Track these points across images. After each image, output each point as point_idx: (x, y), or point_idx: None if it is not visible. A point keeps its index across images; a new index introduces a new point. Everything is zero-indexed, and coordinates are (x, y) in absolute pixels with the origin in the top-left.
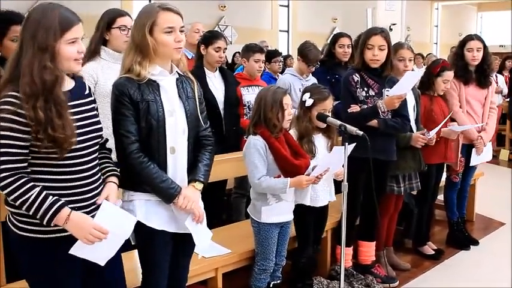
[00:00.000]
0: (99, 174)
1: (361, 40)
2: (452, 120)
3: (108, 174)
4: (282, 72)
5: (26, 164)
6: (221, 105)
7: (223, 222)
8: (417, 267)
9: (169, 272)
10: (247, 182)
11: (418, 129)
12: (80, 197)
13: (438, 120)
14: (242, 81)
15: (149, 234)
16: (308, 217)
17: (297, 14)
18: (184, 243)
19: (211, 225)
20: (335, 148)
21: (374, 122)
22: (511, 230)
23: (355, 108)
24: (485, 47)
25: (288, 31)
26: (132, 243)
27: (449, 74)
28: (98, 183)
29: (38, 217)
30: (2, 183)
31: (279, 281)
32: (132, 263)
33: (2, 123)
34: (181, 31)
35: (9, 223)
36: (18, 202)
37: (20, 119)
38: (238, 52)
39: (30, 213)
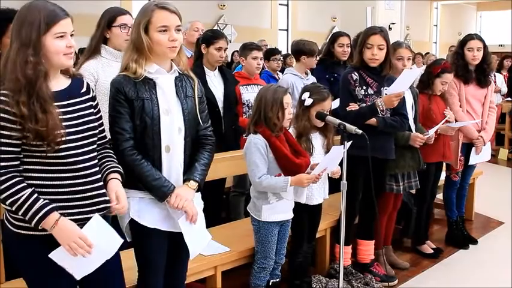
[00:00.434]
0: (99, 174)
1: (360, 39)
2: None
3: (109, 171)
4: (281, 71)
5: (18, 163)
6: (220, 104)
7: (222, 221)
8: (416, 266)
9: (167, 270)
10: (246, 180)
11: (417, 128)
12: (75, 196)
13: (436, 119)
14: (241, 80)
15: (143, 232)
16: (303, 215)
17: (297, 13)
18: (181, 242)
19: (210, 223)
20: (334, 147)
21: (373, 121)
22: (510, 229)
23: (353, 106)
24: (485, 46)
25: (287, 30)
26: (128, 241)
27: (449, 77)
28: (97, 184)
29: (26, 219)
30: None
31: (278, 279)
32: (129, 261)
33: None
34: (178, 30)
35: (5, 221)
36: (8, 202)
37: (9, 117)
38: (236, 51)
39: (19, 214)
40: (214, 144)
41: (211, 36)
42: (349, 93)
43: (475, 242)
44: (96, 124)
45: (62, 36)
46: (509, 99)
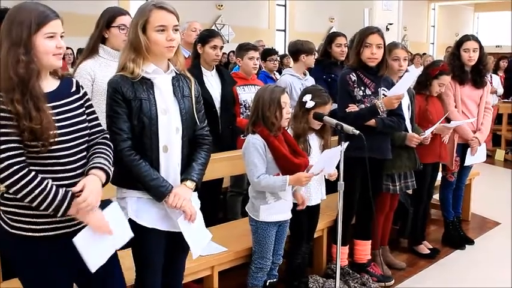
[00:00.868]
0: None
1: (357, 39)
2: (448, 120)
3: (90, 167)
4: (278, 71)
5: (25, 158)
6: (217, 104)
7: (219, 221)
8: (412, 266)
9: (165, 269)
10: (243, 180)
11: (413, 128)
12: None
13: (433, 119)
14: (238, 81)
15: (141, 232)
16: (301, 216)
17: (294, 14)
18: (179, 241)
19: (207, 223)
20: (332, 149)
21: (372, 122)
22: (506, 229)
23: (353, 108)
24: (481, 47)
25: (285, 30)
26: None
27: (446, 79)
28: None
29: (53, 207)
30: (14, 178)
31: (275, 280)
32: (127, 261)
33: None
34: (176, 30)
35: (0, 221)
36: (32, 195)
37: (6, 115)
38: (233, 51)
39: (45, 204)
40: (211, 144)
41: (206, 36)
42: (348, 94)
43: (471, 242)
44: (86, 124)
45: (52, 37)
46: (505, 100)
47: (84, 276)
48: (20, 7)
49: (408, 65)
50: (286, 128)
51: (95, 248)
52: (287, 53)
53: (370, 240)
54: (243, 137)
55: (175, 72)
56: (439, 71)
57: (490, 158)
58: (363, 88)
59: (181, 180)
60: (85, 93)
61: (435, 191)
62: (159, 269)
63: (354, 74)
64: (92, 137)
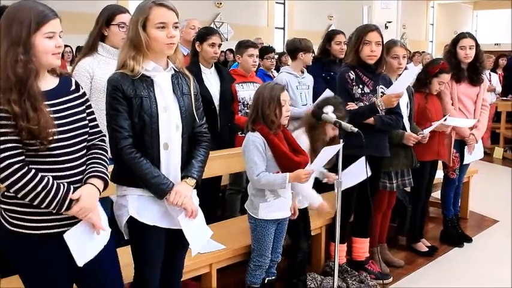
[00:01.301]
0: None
1: (356, 37)
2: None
3: (89, 175)
4: (276, 69)
5: (24, 157)
6: (216, 102)
7: (218, 219)
8: (411, 264)
9: (164, 267)
10: (241, 178)
11: (411, 126)
12: None
13: (432, 118)
14: (237, 78)
15: (142, 230)
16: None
17: (293, 12)
18: (179, 239)
19: (205, 221)
20: (332, 146)
21: (370, 120)
22: (504, 227)
23: (352, 106)
24: (477, 45)
25: (284, 28)
26: (125, 238)
27: (446, 77)
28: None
29: (54, 204)
30: (14, 177)
31: (273, 277)
32: (126, 258)
33: None
34: (176, 27)
35: (1, 219)
36: (33, 194)
37: (4, 115)
38: (229, 49)
39: (47, 201)
40: (210, 141)
41: (204, 33)
42: (347, 92)
43: (469, 240)
44: (86, 122)
45: (51, 36)
46: (504, 98)
47: (83, 274)
48: (19, 6)
49: (407, 63)
50: (286, 126)
51: (84, 244)
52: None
53: (368, 238)
54: (241, 134)
55: (174, 69)
56: (439, 69)
57: (489, 156)
58: (361, 86)
59: (182, 178)
60: (84, 93)
61: (434, 189)
62: (158, 267)
63: (352, 72)
64: (90, 137)
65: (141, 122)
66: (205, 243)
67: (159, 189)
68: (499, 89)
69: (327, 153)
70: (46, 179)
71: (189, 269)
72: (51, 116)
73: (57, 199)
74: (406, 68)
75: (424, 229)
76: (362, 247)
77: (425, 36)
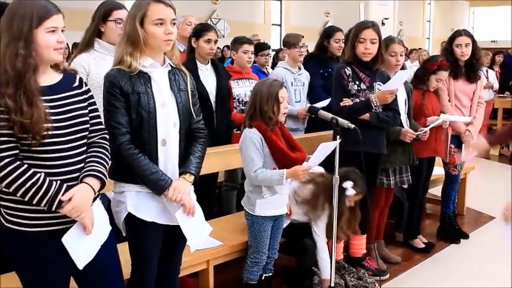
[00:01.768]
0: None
1: (352, 34)
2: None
3: (85, 174)
4: (274, 66)
5: (18, 151)
6: (212, 98)
7: (214, 215)
8: (408, 261)
9: (161, 263)
10: (237, 174)
11: (411, 123)
12: None
13: (428, 114)
14: (233, 74)
15: (140, 226)
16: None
17: (290, 8)
18: (176, 235)
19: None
20: (329, 143)
21: (366, 116)
22: (501, 224)
23: (347, 102)
24: (474, 42)
25: (280, 25)
26: (124, 235)
27: (444, 74)
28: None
29: (42, 204)
30: (6, 170)
31: (270, 274)
32: (123, 254)
33: None
34: (173, 23)
35: None
36: (23, 189)
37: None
38: (227, 46)
39: (38, 197)
40: (207, 137)
41: (200, 29)
42: (343, 88)
43: (466, 236)
44: (86, 118)
45: (53, 31)
46: (501, 95)
47: (82, 273)
48: (22, 1)
49: (405, 60)
50: (283, 123)
51: (83, 245)
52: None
53: (366, 235)
54: (237, 131)
55: (171, 66)
56: (437, 66)
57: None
58: (357, 82)
59: (180, 174)
60: (88, 90)
61: (431, 186)
62: (155, 263)
63: (348, 68)
64: (91, 135)
65: (139, 118)
66: (204, 240)
67: (158, 186)
68: (496, 86)
69: (324, 149)
70: (38, 175)
71: (187, 266)
72: (48, 111)
73: (48, 197)
74: (403, 67)
75: (421, 226)
76: (359, 243)
77: (422, 33)
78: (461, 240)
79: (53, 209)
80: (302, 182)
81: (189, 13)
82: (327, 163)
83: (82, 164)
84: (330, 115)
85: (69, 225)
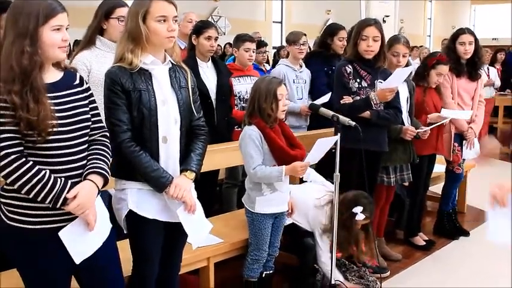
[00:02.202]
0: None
1: (354, 31)
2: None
3: (88, 171)
4: (274, 64)
5: (23, 148)
6: (213, 96)
7: (215, 212)
8: (408, 258)
9: (162, 260)
10: (238, 171)
11: (412, 121)
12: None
13: (430, 111)
14: (234, 72)
15: (141, 223)
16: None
17: (291, 6)
18: (177, 232)
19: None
20: (327, 138)
21: (366, 114)
22: None
23: (347, 99)
24: (476, 40)
25: (281, 22)
26: (125, 232)
27: (444, 68)
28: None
29: (50, 198)
30: (11, 167)
31: (271, 271)
32: (123, 252)
33: None
34: (175, 20)
35: (0, 213)
36: (29, 186)
37: (3, 104)
38: (229, 43)
39: (43, 194)
40: (208, 134)
41: (200, 26)
42: (343, 85)
43: (467, 234)
44: (88, 116)
45: (58, 29)
46: (502, 93)
47: (82, 270)
48: None
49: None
50: (283, 120)
51: (81, 241)
52: (283, 45)
53: None
54: (237, 128)
55: (172, 63)
56: (436, 61)
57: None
58: (358, 80)
59: (181, 171)
60: (88, 88)
61: (431, 183)
62: (157, 262)
63: (350, 65)
64: (92, 132)
65: (140, 115)
66: (205, 237)
67: (159, 183)
68: (498, 83)
69: (322, 145)
70: (43, 172)
71: (187, 263)
72: (52, 108)
73: (53, 194)
74: (408, 64)
75: (422, 223)
76: None
77: (423, 31)
78: (462, 237)
79: (58, 206)
80: (319, 206)
81: (190, 10)
82: (327, 162)
83: (84, 162)
84: (331, 112)
85: (71, 222)
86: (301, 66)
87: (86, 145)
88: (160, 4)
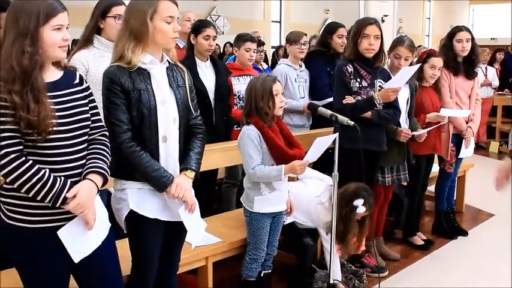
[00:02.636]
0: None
1: (354, 30)
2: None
3: (89, 171)
4: (274, 63)
5: (23, 147)
6: (212, 95)
7: (214, 212)
8: (407, 258)
9: (161, 259)
10: (237, 171)
11: (411, 123)
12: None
13: (428, 111)
14: (233, 71)
15: (141, 223)
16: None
17: (290, 5)
18: (176, 231)
19: (201, 214)
20: (325, 137)
21: (367, 113)
22: (500, 221)
23: (350, 99)
24: (473, 38)
25: (280, 22)
26: (125, 232)
27: (435, 60)
28: (79, 177)
29: (47, 200)
30: (11, 166)
31: (269, 271)
32: (123, 251)
33: None
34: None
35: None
36: (28, 185)
37: (3, 103)
38: (229, 42)
39: (43, 193)
40: (205, 133)
41: (199, 26)
42: (344, 85)
43: (465, 233)
44: (88, 115)
45: (59, 29)
46: (500, 92)
47: (81, 269)
48: None
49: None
50: (281, 118)
51: (80, 240)
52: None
53: None
54: (237, 128)
55: (169, 62)
56: (427, 54)
57: (485, 150)
58: (359, 80)
59: (181, 170)
60: (88, 87)
61: (430, 183)
62: (155, 259)
63: (350, 65)
64: (91, 131)
65: (140, 115)
66: (202, 237)
67: (160, 182)
68: (496, 83)
69: (320, 144)
70: (43, 171)
71: (185, 262)
72: (53, 107)
73: (52, 193)
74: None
75: (420, 223)
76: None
77: (421, 31)
78: (461, 237)
79: (57, 205)
80: (321, 203)
81: (189, 10)
82: (326, 163)
83: (83, 161)
84: (330, 112)
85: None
86: (301, 66)
87: (86, 144)
88: (168, 4)
